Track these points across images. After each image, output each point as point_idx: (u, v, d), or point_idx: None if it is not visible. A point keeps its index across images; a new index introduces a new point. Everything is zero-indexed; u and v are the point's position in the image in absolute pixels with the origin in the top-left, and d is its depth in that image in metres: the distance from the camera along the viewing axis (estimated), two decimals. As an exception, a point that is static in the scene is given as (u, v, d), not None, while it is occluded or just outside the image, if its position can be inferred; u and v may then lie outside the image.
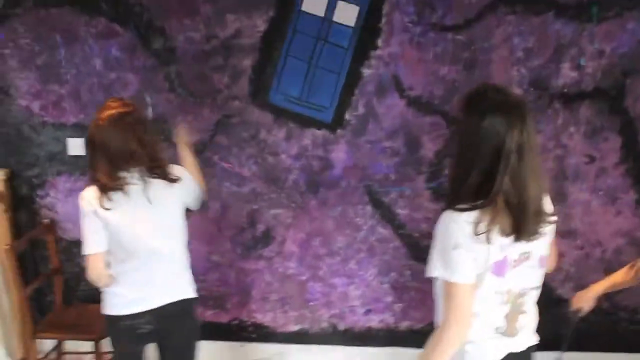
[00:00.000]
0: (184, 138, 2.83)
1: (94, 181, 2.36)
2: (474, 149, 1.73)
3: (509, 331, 1.88)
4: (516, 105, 1.74)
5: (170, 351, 2.65)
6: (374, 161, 3.39)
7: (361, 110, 3.33)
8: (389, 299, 3.60)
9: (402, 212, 3.46)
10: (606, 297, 2.97)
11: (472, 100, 1.78)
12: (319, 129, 3.38)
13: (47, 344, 3.55)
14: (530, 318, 1.95)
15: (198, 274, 3.54)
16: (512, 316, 1.87)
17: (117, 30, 3.31)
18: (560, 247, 3.28)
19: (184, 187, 2.51)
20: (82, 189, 2.44)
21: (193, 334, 2.71)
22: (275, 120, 3.39)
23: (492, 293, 1.81)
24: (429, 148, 3.35)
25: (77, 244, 2.97)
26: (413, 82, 3.26)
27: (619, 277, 2.40)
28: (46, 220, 3.55)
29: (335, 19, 3.20)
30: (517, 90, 3.17)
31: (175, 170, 2.50)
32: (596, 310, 3.08)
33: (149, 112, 3.36)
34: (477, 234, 1.71)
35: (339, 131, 3.38)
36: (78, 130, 3.43)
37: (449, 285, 1.77)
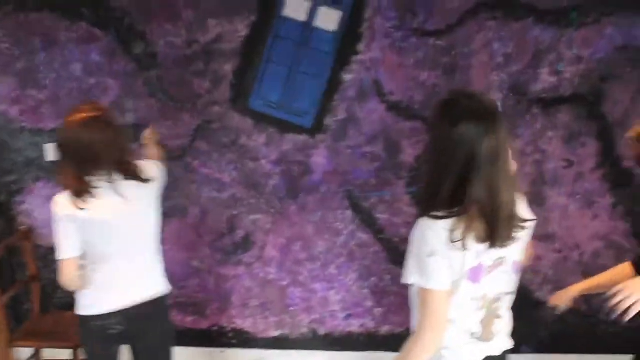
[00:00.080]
0: (151, 139, 2.91)
1: (64, 185, 2.37)
2: (448, 156, 1.72)
3: (485, 336, 1.89)
4: (489, 111, 1.74)
5: (143, 353, 2.64)
6: (354, 166, 3.40)
7: (342, 115, 3.34)
8: (369, 303, 3.61)
9: (382, 217, 3.47)
10: (585, 299, 3.02)
11: (445, 108, 1.78)
12: (299, 134, 3.38)
13: (24, 353, 3.50)
14: (505, 322, 1.97)
15: (177, 280, 3.56)
16: (487, 321, 1.88)
17: (97, 35, 3.29)
18: (538, 250, 3.36)
19: (157, 184, 2.54)
20: (60, 195, 2.43)
21: (167, 337, 2.69)
22: (256, 126, 3.38)
23: (467, 299, 1.82)
24: (409, 153, 3.36)
25: (55, 251, 2.93)
26: (394, 87, 3.28)
27: (606, 278, 2.40)
28: (24, 227, 3.50)
29: (316, 24, 3.21)
30: (496, 95, 3.21)
31: (147, 168, 2.51)
32: (574, 313, 3.14)
33: (129, 117, 3.34)
34: (453, 241, 1.72)
35: (319, 136, 3.38)
36: (56, 136, 3.38)
37: (424, 292, 1.77)
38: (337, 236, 3.52)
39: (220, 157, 3.43)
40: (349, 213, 3.48)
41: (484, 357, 1.90)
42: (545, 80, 3.20)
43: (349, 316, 3.64)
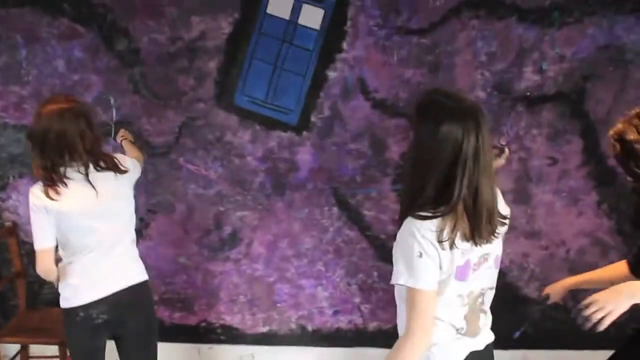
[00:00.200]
0: (125, 138, 2.99)
1: (38, 175, 2.38)
2: (432, 156, 1.73)
3: (471, 331, 1.90)
4: (471, 110, 1.73)
5: (127, 341, 2.64)
6: (340, 163, 3.40)
7: (327, 112, 3.34)
8: (357, 300, 3.61)
9: (368, 213, 3.47)
10: (571, 295, 3.01)
11: (426, 109, 1.78)
12: (284, 131, 3.38)
13: (11, 349, 3.51)
14: (489, 317, 1.98)
15: (165, 277, 3.57)
16: (472, 317, 1.89)
17: (79, 31, 3.28)
18: (525, 247, 3.37)
19: (130, 176, 2.56)
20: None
21: (151, 325, 2.70)
22: (241, 123, 3.38)
23: (454, 297, 1.83)
24: (395, 150, 3.36)
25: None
26: (378, 84, 3.27)
27: (601, 274, 2.39)
28: (8, 223, 3.49)
29: (300, 21, 3.20)
30: (480, 94, 3.21)
31: (121, 160, 2.54)
32: (560, 309, 3.16)
33: (113, 114, 3.34)
34: (441, 241, 1.72)
35: (304, 133, 3.38)
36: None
37: (413, 292, 1.77)
38: (324, 233, 3.52)
39: (206, 154, 3.43)
40: (335, 210, 3.48)
41: (468, 352, 1.91)
42: (529, 78, 3.20)
43: (336, 312, 3.64)
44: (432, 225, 1.72)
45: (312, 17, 3.19)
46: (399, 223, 1.81)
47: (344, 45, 3.23)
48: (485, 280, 1.90)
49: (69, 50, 3.30)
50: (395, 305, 1.95)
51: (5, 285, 3.49)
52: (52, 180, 2.34)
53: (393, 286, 1.89)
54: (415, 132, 1.81)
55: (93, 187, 2.39)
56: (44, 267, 2.44)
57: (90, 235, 2.43)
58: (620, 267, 2.35)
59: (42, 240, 2.41)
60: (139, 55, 3.29)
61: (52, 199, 2.34)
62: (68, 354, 3.08)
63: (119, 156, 2.57)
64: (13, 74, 3.34)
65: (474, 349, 1.92)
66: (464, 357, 1.90)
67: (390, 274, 1.82)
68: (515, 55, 3.16)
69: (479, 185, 1.72)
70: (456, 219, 1.72)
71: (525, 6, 3.11)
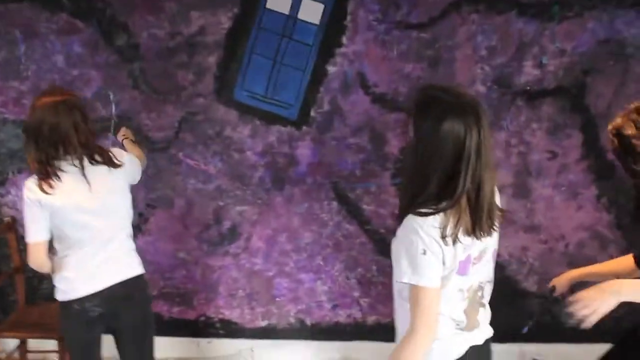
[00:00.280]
0: (126, 137, 2.97)
1: (33, 169, 2.38)
2: (434, 153, 1.72)
3: (470, 325, 1.90)
4: (471, 105, 1.73)
5: (124, 335, 2.64)
6: (340, 158, 3.40)
7: (326, 107, 3.33)
8: (356, 294, 3.61)
9: (367, 208, 3.47)
10: (571, 289, 3.02)
11: (425, 105, 1.77)
12: (284, 126, 3.38)
13: (10, 344, 3.51)
14: (487, 311, 1.98)
15: (164, 271, 3.57)
16: (472, 310, 1.89)
17: (78, 26, 3.27)
18: (524, 241, 3.38)
19: (126, 170, 2.54)
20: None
21: (147, 318, 2.70)
22: (241, 117, 3.38)
23: (455, 291, 1.83)
24: (394, 145, 3.36)
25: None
26: (378, 79, 3.27)
27: (607, 268, 2.39)
28: (7, 219, 3.49)
29: (300, 16, 3.20)
30: (480, 88, 3.21)
31: (117, 154, 2.53)
32: (559, 302, 3.14)
33: (112, 109, 3.33)
34: (444, 237, 1.72)
35: (304, 128, 3.38)
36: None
37: (417, 290, 1.76)
38: (323, 227, 3.52)
39: (205, 149, 3.42)
40: (334, 204, 3.48)
41: (468, 346, 1.91)
42: (529, 72, 3.20)
43: (335, 306, 3.65)
44: (435, 221, 1.72)
45: (312, 12, 3.18)
46: (398, 219, 1.81)
47: (344, 39, 3.22)
48: (484, 273, 1.91)
49: (68, 45, 3.29)
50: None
51: (4, 281, 3.49)
52: (47, 173, 2.34)
53: (392, 280, 1.89)
54: (416, 129, 1.79)
55: (87, 181, 2.39)
56: (36, 260, 2.44)
57: (85, 230, 2.43)
58: (626, 261, 2.35)
59: (35, 234, 2.40)
60: (138, 50, 3.29)
61: (46, 192, 2.34)
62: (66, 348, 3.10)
63: (114, 150, 2.56)
64: (12, 69, 3.33)
65: (474, 343, 1.93)
66: (465, 351, 1.90)
67: (389, 268, 1.82)
68: (515, 50, 3.17)
69: (482, 179, 1.73)
70: (459, 213, 1.72)
71: (525, 0, 3.11)
